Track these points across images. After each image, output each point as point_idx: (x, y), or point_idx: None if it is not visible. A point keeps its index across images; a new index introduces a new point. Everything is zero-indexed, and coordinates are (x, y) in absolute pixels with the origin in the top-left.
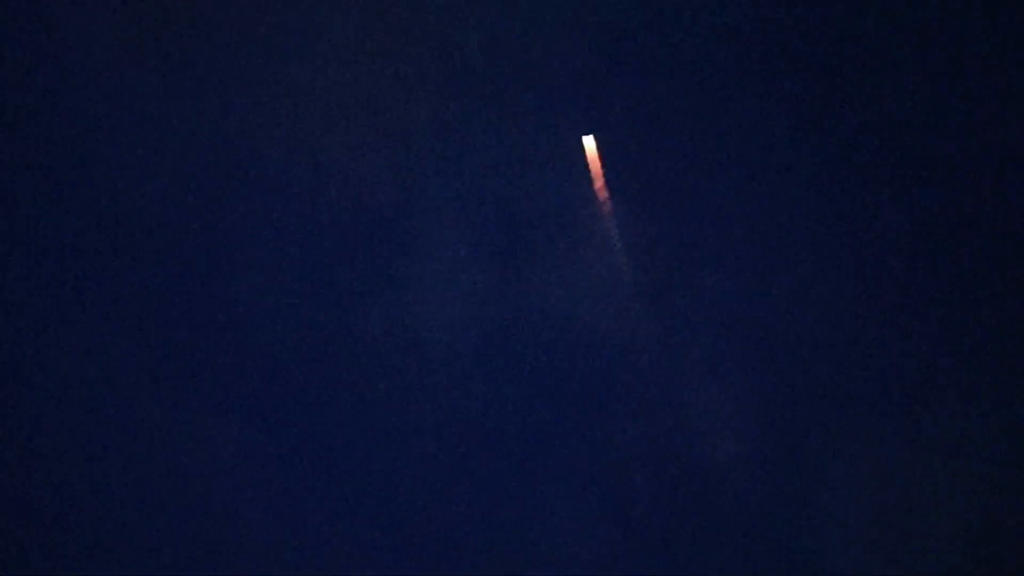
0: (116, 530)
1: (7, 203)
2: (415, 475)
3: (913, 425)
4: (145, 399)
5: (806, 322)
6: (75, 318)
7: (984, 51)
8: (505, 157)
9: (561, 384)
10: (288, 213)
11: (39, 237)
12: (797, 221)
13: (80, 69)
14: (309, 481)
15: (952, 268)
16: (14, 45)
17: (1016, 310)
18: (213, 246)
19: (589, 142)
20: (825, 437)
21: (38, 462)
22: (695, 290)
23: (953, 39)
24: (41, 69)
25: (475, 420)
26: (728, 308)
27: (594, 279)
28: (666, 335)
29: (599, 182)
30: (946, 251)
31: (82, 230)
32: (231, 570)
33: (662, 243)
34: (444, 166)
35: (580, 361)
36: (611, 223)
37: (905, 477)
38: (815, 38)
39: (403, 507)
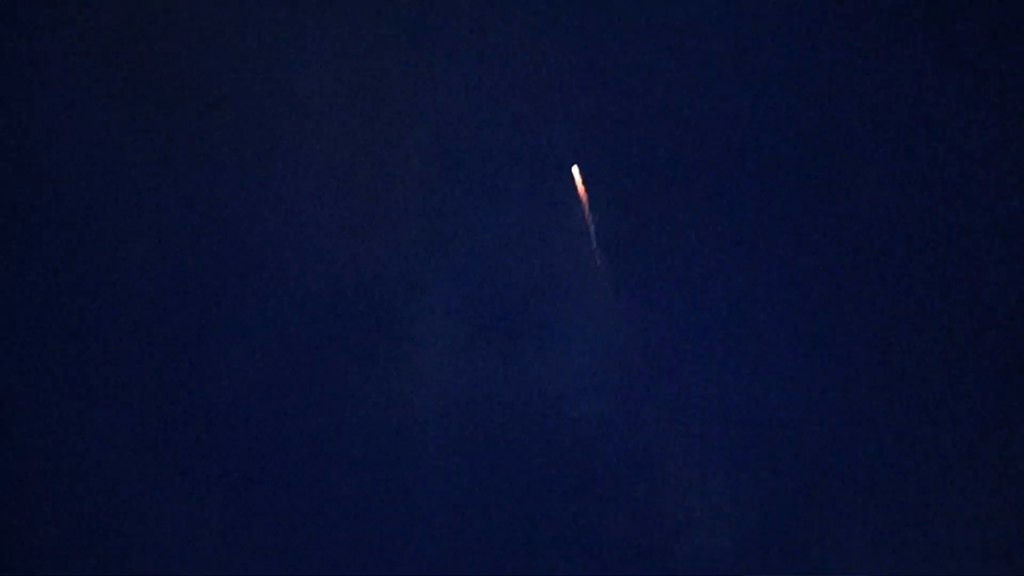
0: None
1: None
2: (408, 560)
3: (914, 522)
4: (132, 478)
5: (806, 415)
6: (60, 394)
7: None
8: (500, 241)
9: (553, 470)
10: (280, 294)
11: (24, 318)
12: (800, 307)
13: (66, 134)
14: (301, 563)
15: (952, 360)
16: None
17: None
18: (204, 328)
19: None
20: (822, 533)
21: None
22: (692, 377)
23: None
24: (32, 146)
25: (467, 504)
26: (726, 398)
27: (588, 364)
28: (662, 423)
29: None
30: (946, 341)
31: (67, 309)
32: None
33: (659, 327)
34: (438, 247)
35: (573, 447)
36: (608, 308)
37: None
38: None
39: None
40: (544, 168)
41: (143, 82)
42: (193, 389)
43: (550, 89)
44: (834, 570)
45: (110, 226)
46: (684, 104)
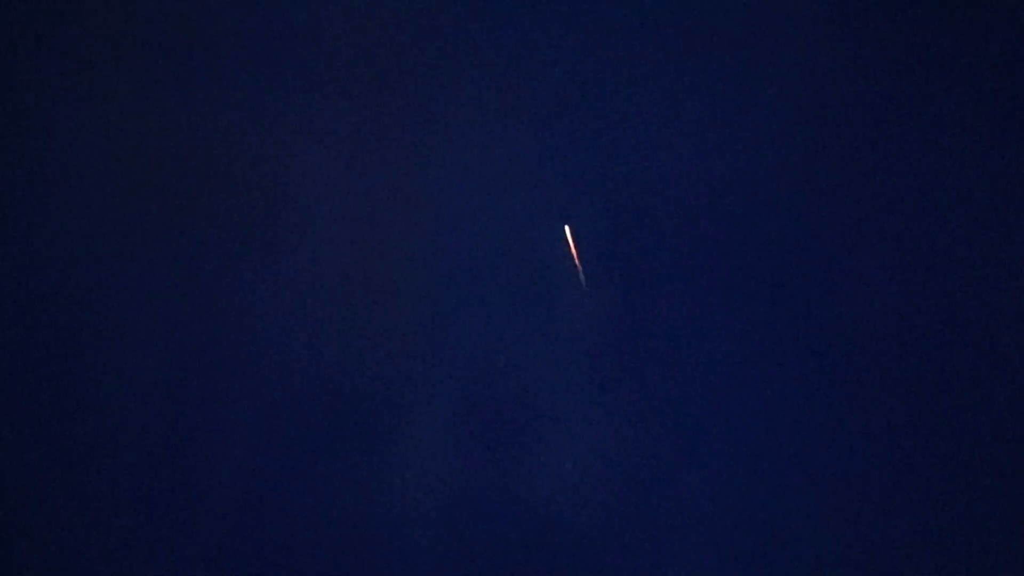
0: None
1: None
2: None
3: None
4: None
5: (816, 529)
6: (54, 486)
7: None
8: (493, 337)
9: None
10: (268, 388)
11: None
12: (814, 414)
13: (59, 212)
14: None
15: (958, 458)
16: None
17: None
18: (191, 425)
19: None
20: None
21: None
22: (694, 481)
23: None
24: (22, 225)
25: None
26: (731, 505)
27: (577, 468)
28: (661, 530)
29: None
30: (953, 443)
31: (62, 394)
32: None
33: (660, 428)
34: (429, 343)
35: (566, 552)
36: (605, 408)
37: None
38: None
39: None
40: (542, 259)
41: (139, 162)
42: (176, 482)
43: (550, 182)
44: None
45: (98, 308)
46: (695, 194)
